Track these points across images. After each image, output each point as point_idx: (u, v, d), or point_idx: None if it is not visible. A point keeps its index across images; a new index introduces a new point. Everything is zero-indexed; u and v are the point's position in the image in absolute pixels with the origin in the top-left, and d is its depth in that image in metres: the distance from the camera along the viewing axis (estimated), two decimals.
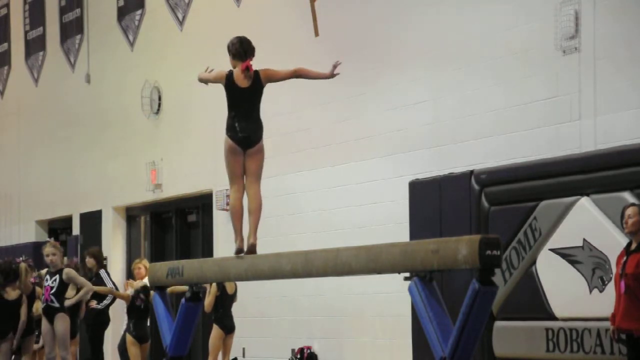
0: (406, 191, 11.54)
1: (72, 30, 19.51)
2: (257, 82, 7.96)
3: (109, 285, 13.26)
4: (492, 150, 11.17)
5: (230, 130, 7.96)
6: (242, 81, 7.95)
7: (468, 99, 11.58)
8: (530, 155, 10.58)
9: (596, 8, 10.22)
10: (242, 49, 8.01)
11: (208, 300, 12.41)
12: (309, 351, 13.64)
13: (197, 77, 8.23)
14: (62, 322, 11.66)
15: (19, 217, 21.25)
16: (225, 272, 7.88)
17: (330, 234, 13.18)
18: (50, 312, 11.66)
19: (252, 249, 7.79)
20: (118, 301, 13.49)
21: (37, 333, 12.50)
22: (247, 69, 7.92)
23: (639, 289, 8.27)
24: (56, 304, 11.66)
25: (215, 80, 8.09)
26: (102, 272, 13.38)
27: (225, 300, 12.61)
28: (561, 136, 10.46)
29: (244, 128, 7.94)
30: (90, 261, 13.48)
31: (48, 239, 13.96)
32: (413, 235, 11.05)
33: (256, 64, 8.06)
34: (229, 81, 7.96)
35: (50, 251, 11.81)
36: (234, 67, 8.01)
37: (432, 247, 6.00)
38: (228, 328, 12.68)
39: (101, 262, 13.64)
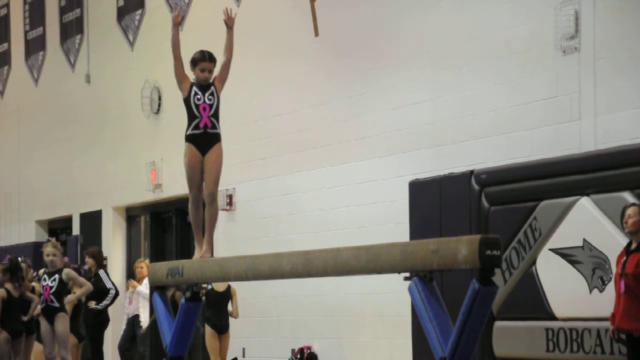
0: (406, 191, 11.54)
1: (72, 30, 19.50)
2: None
3: (108, 285, 13.24)
4: (492, 150, 11.17)
5: None
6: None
7: (468, 99, 11.57)
8: (530, 155, 10.57)
9: (596, 8, 10.22)
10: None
11: None
12: (309, 351, 13.63)
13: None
14: (63, 322, 11.64)
15: (19, 217, 21.24)
16: (225, 272, 7.86)
17: (330, 234, 13.17)
18: (49, 312, 11.64)
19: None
20: (117, 301, 13.48)
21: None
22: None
23: (639, 288, 8.28)
24: (56, 304, 11.64)
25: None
26: (101, 272, 13.37)
27: (213, 299, 12.38)
28: (561, 136, 10.45)
29: None
30: (89, 261, 13.48)
31: (49, 239, 13.91)
32: (413, 235, 11.05)
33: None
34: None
35: (51, 251, 11.78)
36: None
37: (432, 247, 5.98)
38: (219, 328, 12.49)
39: (100, 262, 13.62)
